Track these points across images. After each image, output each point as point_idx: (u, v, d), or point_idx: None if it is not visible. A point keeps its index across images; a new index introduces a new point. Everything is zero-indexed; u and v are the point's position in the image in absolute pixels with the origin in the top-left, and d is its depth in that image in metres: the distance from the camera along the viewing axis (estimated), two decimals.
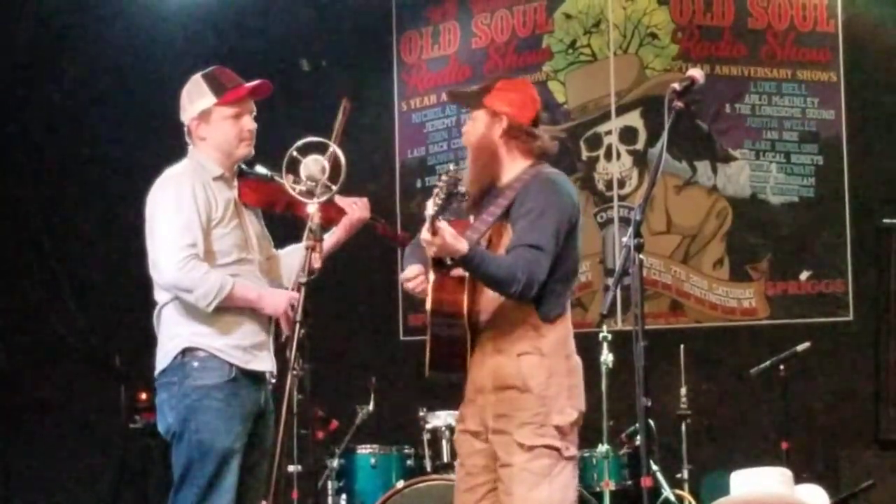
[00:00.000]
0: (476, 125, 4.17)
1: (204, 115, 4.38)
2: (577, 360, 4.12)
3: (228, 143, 4.39)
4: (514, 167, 4.17)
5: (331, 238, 4.53)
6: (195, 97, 4.39)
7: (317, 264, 4.00)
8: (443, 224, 3.72)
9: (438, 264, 3.98)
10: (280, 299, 4.29)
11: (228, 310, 4.28)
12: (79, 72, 8.31)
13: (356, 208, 4.50)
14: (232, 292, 4.21)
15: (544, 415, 3.99)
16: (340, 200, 4.46)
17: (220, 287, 4.19)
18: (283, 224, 4.59)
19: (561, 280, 4.08)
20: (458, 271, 3.96)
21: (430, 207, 3.70)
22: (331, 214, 4.41)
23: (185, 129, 4.44)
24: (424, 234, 3.76)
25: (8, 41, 8.22)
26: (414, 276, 4.14)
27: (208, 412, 4.21)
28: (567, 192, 4.16)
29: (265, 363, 4.37)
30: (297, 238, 4.28)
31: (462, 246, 3.80)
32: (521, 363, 4.01)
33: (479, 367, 4.07)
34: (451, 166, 3.89)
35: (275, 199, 4.41)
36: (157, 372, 4.36)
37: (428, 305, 4.01)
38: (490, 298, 4.04)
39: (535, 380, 3.99)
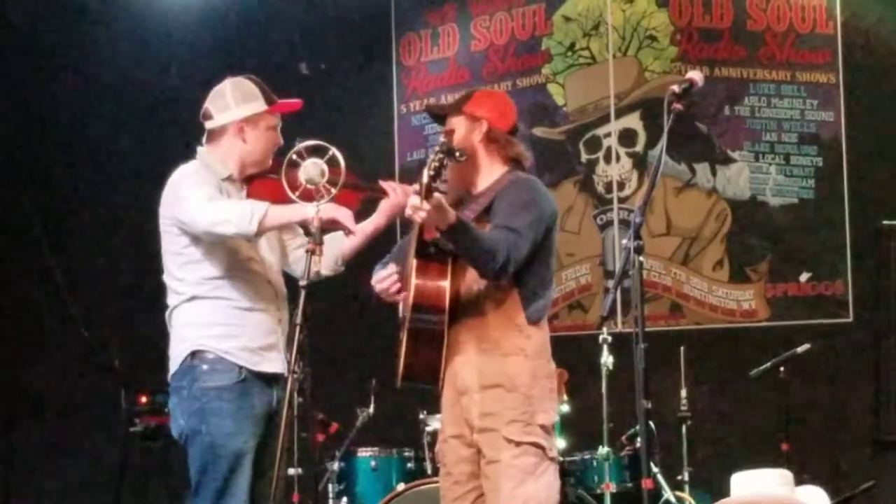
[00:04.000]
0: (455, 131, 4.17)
1: (253, 119, 4.35)
2: (553, 365, 4.17)
3: (265, 152, 4.39)
4: (491, 173, 4.19)
5: (370, 224, 4.49)
6: (243, 98, 4.35)
7: (316, 267, 4.00)
8: (436, 193, 3.71)
9: (423, 250, 3.98)
10: (306, 206, 4.13)
11: (237, 311, 4.28)
12: (79, 72, 8.31)
13: (399, 193, 4.41)
14: (268, 211, 4.11)
15: (530, 414, 4.02)
16: (385, 184, 4.44)
17: (251, 207, 4.11)
18: None
19: (543, 284, 4.13)
20: (441, 262, 3.97)
21: (425, 174, 3.69)
22: (346, 203, 4.31)
23: (219, 128, 4.37)
24: (414, 199, 3.72)
25: (7, 42, 8.22)
26: (387, 276, 4.14)
27: (219, 414, 4.22)
28: (546, 194, 4.20)
29: (275, 364, 4.35)
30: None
31: (451, 214, 3.80)
32: (507, 363, 4.03)
33: (461, 368, 4.07)
34: None
35: (286, 199, 4.37)
36: (169, 376, 4.37)
37: (410, 295, 3.98)
38: (473, 298, 4.05)
39: (521, 379, 4.02)
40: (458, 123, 4.20)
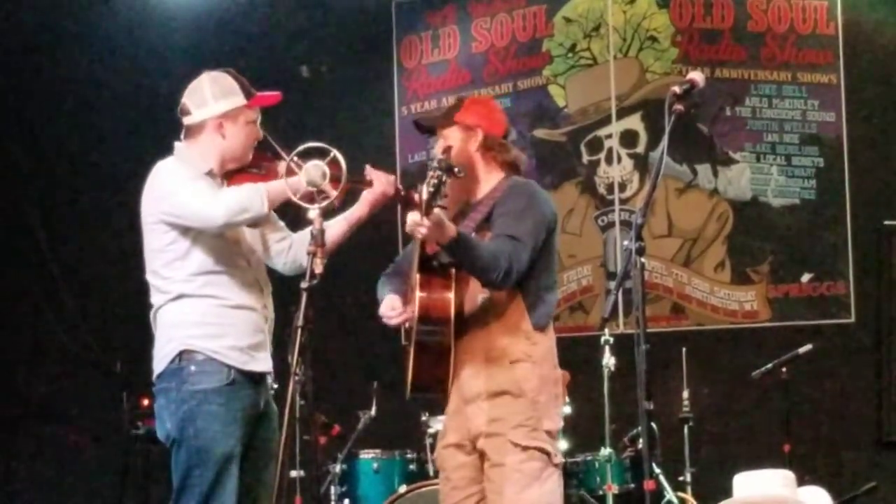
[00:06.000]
0: (449, 142, 4.14)
1: (231, 115, 4.30)
2: (560, 371, 4.16)
3: (245, 147, 4.35)
4: (489, 180, 4.19)
5: (353, 214, 4.48)
6: (221, 94, 4.30)
7: (318, 269, 3.99)
8: (436, 209, 3.70)
9: (425, 264, 3.98)
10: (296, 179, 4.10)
11: (224, 309, 4.25)
12: (79, 72, 8.31)
13: (383, 182, 4.41)
14: (269, 191, 4.13)
15: (536, 419, 4.01)
16: (371, 172, 4.42)
17: (255, 190, 4.12)
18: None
19: (546, 289, 4.13)
20: (444, 274, 3.97)
21: (425, 191, 3.67)
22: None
23: (197, 124, 4.32)
24: (414, 216, 3.71)
25: (6, 39, 8.22)
26: (396, 312, 4.13)
27: (206, 417, 4.17)
28: (545, 198, 4.19)
29: (264, 363, 4.32)
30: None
31: (451, 229, 3.79)
32: (514, 370, 4.02)
33: (469, 378, 4.06)
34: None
35: None
36: (154, 376, 4.32)
37: (415, 308, 3.97)
38: (478, 308, 4.05)
39: (528, 385, 4.01)
40: (451, 134, 4.18)
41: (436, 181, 3.66)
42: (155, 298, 4.33)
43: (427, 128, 4.47)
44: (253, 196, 4.12)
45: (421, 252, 4.00)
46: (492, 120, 4.24)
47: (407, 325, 4.15)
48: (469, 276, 4.02)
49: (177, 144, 4.39)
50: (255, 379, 4.30)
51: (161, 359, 4.28)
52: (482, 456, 4.06)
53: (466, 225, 4.05)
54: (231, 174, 4.36)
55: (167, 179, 4.25)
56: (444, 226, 3.76)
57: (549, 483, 4.03)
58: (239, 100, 4.31)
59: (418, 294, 3.97)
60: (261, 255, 4.46)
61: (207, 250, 4.24)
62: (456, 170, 3.75)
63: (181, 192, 4.19)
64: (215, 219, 4.13)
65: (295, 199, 4.06)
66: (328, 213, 4.30)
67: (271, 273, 4.54)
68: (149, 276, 4.34)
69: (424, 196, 3.66)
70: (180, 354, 4.22)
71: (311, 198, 4.02)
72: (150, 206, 4.29)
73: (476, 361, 4.05)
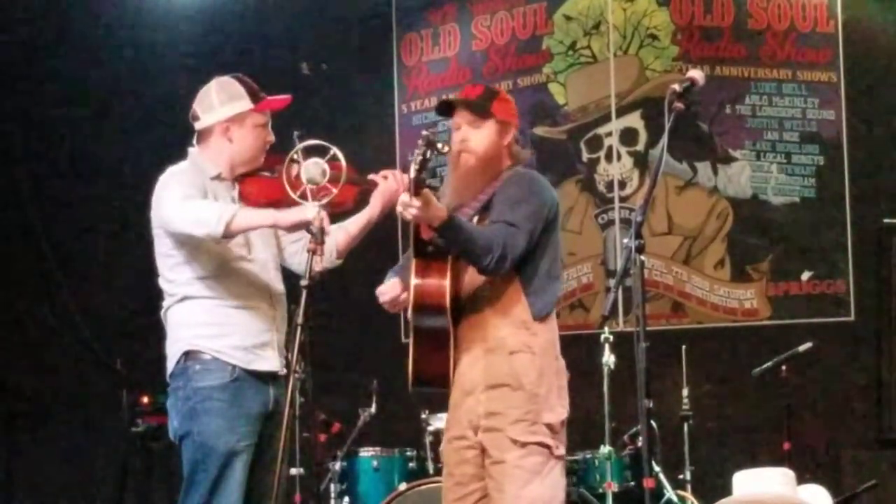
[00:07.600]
0: (482, 134, 4.12)
1: (238, 119, 4.35)
2: (563, 362, 4.14)
3: (254, 150, 4.39)
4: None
5: (363, 216, 4.51)
6: (228, 98, 4.35)
7: (318, 267, 4.00)
8: (425, 189, 3.68)
9: (421, 250, 3.96)
10: (294, 212, 4.11)
11: (227, 309, 4.28)
12: (80, 71, 8.31)
13: (390, 179, 4.43)
14: (237, 215, 4.10)
15: (535, 413, 3.99)
16: (374, 176, 4.43)
17: (220, 210, 4.12)
18: None
19: (548, 277, 4.11)
20: (440, 260, 3.95)
21: (412, 170, 3.65)
22: (343, 198, 4.30)
23: (206, 129, 4.38)
24: (404, 197, 3.71)
25: (8, 39, 8.23)
26: (389, 290, 4.13)
27: (210, 413, 4.22)
28: (546, 186, 4.19)
29: (270, 363, 4.35)
30: None
31: (441, 211, 3.77)
32: (513, 361, 4.00)
33: (468, 368, 4.05)
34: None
35: (278, 197, 4.36)
36: (167, 376, 4.39)
37: (410, 295, 3.96)
38: (476, 297, 4.03)
39: (527, 377, 3.99)
40: (486, 125, 4.15)
41: (420, 157, 3.64)
42: (165, 301, 4.40)
43: (446, 109, 4.39)
44: (213, 215, 4.10)
45: (415, 237, 3.96)
46: (517, 115, 4.27)
47: (408, 314, 4.14)
48: (467, 264, 3.99)
49: (190, 149, 4.46)
50: (263, 378, 4.33)
51: (170, 359, 4.36)
52: (483, 451, 4.05)
53: (465, 213, 4.02)
54: (243, 177, 4.40)
55: (164, 185, 4.31)
56: (434, 206, 3.74)
57: (550, 477, 4.01)
58: (245, 104, 4.35)
59: (413, 281, 3.95)
60: (274, 255, 4.48)
61: (210, 253, 4.28)
62: (439, 145, 3.73)
63: (164, 196, 4.26)
64: (171, 223, 4.21)
65: (282, 228, 4.11)
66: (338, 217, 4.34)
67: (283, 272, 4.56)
68: (159, 281, 4.42)
69: (412, 174, 3.65)
70: (186, 354, 4.29)
71: (307, 198, 4.05)
72: (153, 211, 4.34)
73: (475, 352, 4.03)
